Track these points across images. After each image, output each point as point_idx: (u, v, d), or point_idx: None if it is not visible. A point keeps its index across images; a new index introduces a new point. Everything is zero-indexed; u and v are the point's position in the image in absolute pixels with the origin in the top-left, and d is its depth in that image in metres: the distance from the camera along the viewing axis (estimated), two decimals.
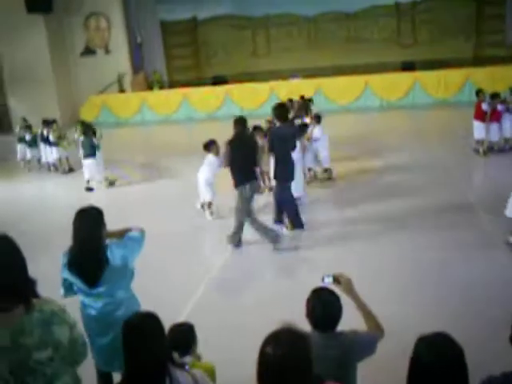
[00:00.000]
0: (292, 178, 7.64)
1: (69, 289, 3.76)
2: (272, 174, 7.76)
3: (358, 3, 23.37)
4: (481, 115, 11.06)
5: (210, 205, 8.60)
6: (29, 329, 2.50)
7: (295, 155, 8.32)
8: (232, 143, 7.01)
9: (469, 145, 11.36)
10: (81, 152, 12.10)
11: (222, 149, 7.45)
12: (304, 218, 7.93)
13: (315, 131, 9.75)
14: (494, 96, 10.98)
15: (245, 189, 6.99)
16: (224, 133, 7.77)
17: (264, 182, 9.29)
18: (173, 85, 22.13)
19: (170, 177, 11.76)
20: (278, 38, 24.19)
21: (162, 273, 6.71)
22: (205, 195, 8.52)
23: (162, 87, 21.22)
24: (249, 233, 7.66)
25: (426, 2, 22.90)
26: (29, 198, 11.67)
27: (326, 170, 10.23)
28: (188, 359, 3.36)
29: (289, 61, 22.70)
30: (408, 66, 19.39)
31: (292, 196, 7.86)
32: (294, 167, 7.67)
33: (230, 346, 4.91)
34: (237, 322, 5.43)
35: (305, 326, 2.78)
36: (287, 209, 7.79)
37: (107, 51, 21.64)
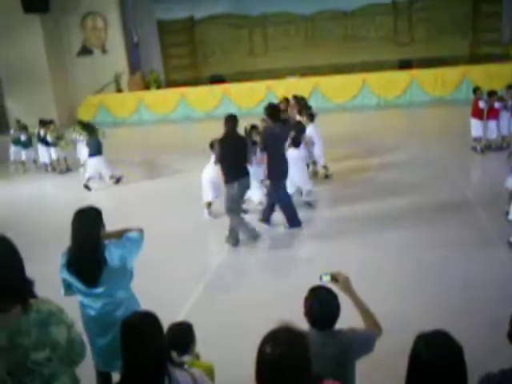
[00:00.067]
0: (285, 177, 7.70)
1: (68, 288, 3.76)
2: (266, 174, 7.79)
3: (355, 2, 23.34)
4: (478, 113, 11.07)
5: (209, 204, 8.61)
6: (26, 329, 2.49)
7: (300, 152, 8.36)
8: (222, 141, 7.11)
9: (466, 143, 11.37)
10: (82, 152, 12.15)
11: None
12: (301, 216, 7.94)
13: (308, 130, 9.72)
14: (492, 94, 10.98)
15: (233, 187, 7.12)
16: (222, 132, 7.76)
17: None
18: (170, 84, 22.08)
19: (169, 176, 11.74)
20: (276, 37, 24.16)
21: (160, 272, 6.70)
22: (207, 194, 8.53)
23: (159, 87, 21.17)
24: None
25: (422, 0, 22.90)
26: (27, 198, 11.66)
27: (324, 167, 10.25)
28: (187, 358, 3.36)
29: (286, 59, 22.67)
30: (405, 64, 19.38)
31: (288, 194, 7.89)
32: (288, 166, 7.73)
33: (229, 345, 4.91)
34: (235, 321, 5.43)
35: (303, 324, 2.79)
36: (284, 208, 7.80)
37: (104, 51, 21.60)
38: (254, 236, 7.50)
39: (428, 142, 12.31)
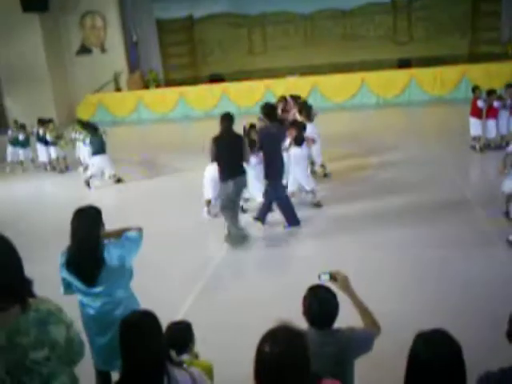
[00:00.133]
0: (281, 176, 7.72)
1: (68, 287, 3.76)
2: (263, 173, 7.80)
3: (354, 1, 23.32)
4: (477, 112, 11.06)
5: (209, 202, 8.61)
6: (25, 328, 2.49)
7: (302, 150, 8.35)
8: (218, 140, 7.10)
9: (465, 142, 11.37)
10: (81, 151, 12.14)
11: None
12: (300, 215, 7.94)
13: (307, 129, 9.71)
14: (491, 93, 10.97)
15: (228, 186, 7.11)
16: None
17: None
18: (169, 83, 22.06)
19: (168, 175, 11.73)
20: (275, 36, 24.15)
21: (159, 271, 6.70)
22: (207, 192, 8.53)
23: (158, 86, 21.16)
24: (250, 232, 7.69)
25: None
26: (26, 197, 11.64)
27: (321, 166, 10.25)
28: (185, 357, 3.36)
29: (285, 59, 22.67)
30: (404, 63, 19.38)
31: (286, 194, 7.90)
32: (284, 165, 7.77)
33: (228, 344, 4.91)
34: (234, 320, 5.43)
35: (302, 323, 2.79)
36: (282, 207, 7.81)
37: (103, 50, 21.58)
38: (243, 236, 7.48)
39: (427, 141, 12.31)
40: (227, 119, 7.20)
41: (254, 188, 8.31)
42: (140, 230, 3.90)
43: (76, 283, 3.65)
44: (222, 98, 19.23)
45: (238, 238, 7.45)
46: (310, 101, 12.66)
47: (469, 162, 10.90)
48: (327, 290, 3.01)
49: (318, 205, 8.62)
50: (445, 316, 4.88)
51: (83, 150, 12.18)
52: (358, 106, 18.07)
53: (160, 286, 6.21)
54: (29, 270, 2.65)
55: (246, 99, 18.67)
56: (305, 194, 8.95)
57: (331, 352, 2.88)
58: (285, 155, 8.41)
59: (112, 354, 3.57)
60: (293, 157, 8.39)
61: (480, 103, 10.90)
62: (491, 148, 11.08)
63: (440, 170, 10.00)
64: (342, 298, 3.08)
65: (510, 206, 7.29)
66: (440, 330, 2.36)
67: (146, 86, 20.97)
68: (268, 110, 7.68)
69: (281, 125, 8.12)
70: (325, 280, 3.12)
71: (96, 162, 11.21)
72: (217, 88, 19.57)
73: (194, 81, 21.73)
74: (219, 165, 7.21)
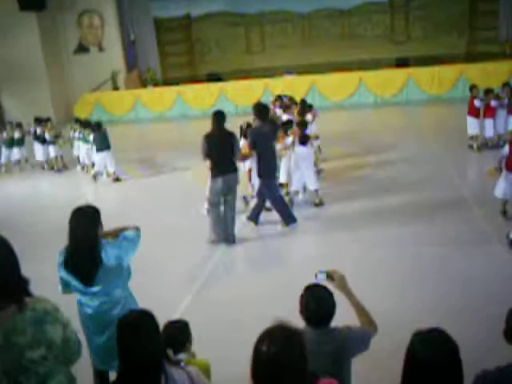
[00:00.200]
0: (274, 175, 7.75)
1: (66, 286, 3.75)
2: (256, 172, 7.81)
3: (352, 0, 23.41)
4: (474, 111, 11.06)
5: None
6: (21, 328, 2.49)
7: (307, 149, 8.36)
8: (209, 137, 7.12)
9: (463, 141, 11.38)
10: (81, 149, 12.13)
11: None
12: (298, 214, 7.94)
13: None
14: (488, 92, 10.98)
15: (217, 182, 7.14)
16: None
17: None
18: (167, 82, 22.07)
19: (166, 174, 11.73)
20: (273, 35, 24.19)
21: (157, 270, 6.70)
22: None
23: (155, 84, 21.16)
24: (247, 231, 7.69)
25: None
26: (23, 196, 11.61)
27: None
28: (183, 356, 3.36)
29: (283, 58, 22.71)
30: (402, 63, 19.42)
31: (279, 193, 7.91)
32: (277, 164, 7.83)
33: (225, 343, 4.91)
34: (231, 319, 5.43)
35: (298, 322, 2.78)
36: (277, 206, 7.81)
37: (101, 49, 21.57)
38: (212, 240, 7.47)
39: (424, 140, 12.33)
40: (219, 117, 7.21)
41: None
42: (137, 229, 3.89)
43: (74, 282, 3.65)
44: (219, 97, 19.23)
45: (218, 237, 7.42)
46: (308, 100, 12.67)
47: (466, 160, 10.92)
48: (324, 288, 3.01)
49: (319, 204, 8.61)
50: (444, 314, 4.90)
51: (82, 148, 12.17)
52: (356, 105, 18.09)
53: (157, 285, 6.20)
54: (26, 269, 2.64)
55: (243, 98, 18.66)
56: (303, 193, 8.94)
57: (328, 351, 2.88)
58: (288, 154, 8.43)
59: (110, 354, 3.56)
60: (299, 156, 8.38)
61: (477, 102, 10.90)
62: (488, 147, 11.09)
63: (438, 169, 10.01)
64: (339, 296, 3.08)
65: (507, 205, 7.33)
66: (437, 329, 2.35)
67: (144, 85, 20.97)
68: (259, 109, 7.67)
69: (273, 124, 8.12)
70: (322, 279, 3.12)
71: (98, 159, 11.26)
72: (214, 87, 19.57)
73: (191, 79, 21.72)
74: (210, 161, 7.21)
